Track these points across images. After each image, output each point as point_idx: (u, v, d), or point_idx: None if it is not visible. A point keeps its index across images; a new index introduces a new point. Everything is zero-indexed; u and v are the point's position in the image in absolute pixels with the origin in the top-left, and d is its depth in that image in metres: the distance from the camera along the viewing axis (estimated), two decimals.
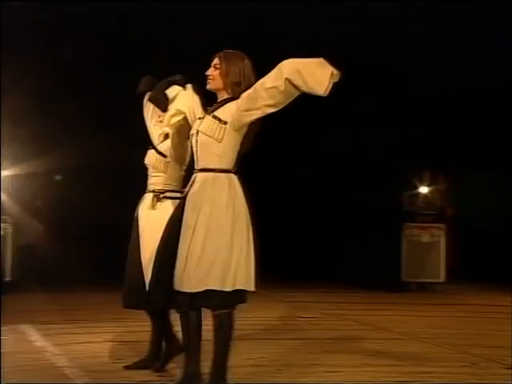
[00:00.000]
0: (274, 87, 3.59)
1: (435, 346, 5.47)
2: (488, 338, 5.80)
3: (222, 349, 3.69)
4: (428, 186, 9.65)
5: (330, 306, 7.61)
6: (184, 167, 4.51)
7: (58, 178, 9.83)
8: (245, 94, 3.71)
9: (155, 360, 4.52)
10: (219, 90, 3.82)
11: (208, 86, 3.84)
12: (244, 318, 6.41)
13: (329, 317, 6.89)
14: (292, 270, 9.92)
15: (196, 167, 3.78)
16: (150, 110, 4.64)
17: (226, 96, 3.80)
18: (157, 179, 4.56)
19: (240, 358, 4.80)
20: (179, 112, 4.07)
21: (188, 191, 3.75)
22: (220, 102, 3.82)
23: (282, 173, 10.75)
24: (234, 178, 3.73)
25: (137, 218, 4.58)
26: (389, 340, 5.67)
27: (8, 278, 8.74)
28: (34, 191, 9.54)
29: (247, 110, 3.67)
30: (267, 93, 3.61)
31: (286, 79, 3.56)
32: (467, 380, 4.37)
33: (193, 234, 3.63)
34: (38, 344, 5.43)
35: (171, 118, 4.16)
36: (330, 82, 3.50)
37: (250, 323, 6.28)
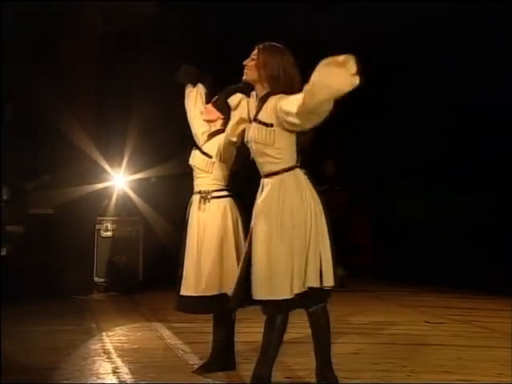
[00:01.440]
0: (309, 113, 3.46)
1: None
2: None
3: (326, 343, 3.73)
4: None
5: (458, 311, 7.41)
6: (230, 167, 4.45)
7: (152, 180, 10.10)
8: (285, 105, 3.55)
9: (222, 361, 4.53)
10: (255, 82, 3.73)
11: (244, 77, 3.76)
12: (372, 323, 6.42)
13: (455, 323, 6.72)
14: (412, 273, 9.76)
15: (261, 173, 3.73)
16: (193, 102, 4.62)
17: (263, 91, 3.70)
18: (202, 180, 4.50)
19: (366, 362, 4.78)
20: (243, 121, 3.97)
21: (258, 197, 3.71)
22: (259, 100, 3.72)
23: None
24: (300, 172, 3.67)
25: (187, 221, 4.54)
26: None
27: (140, 278, 9.06)
28: (163, 193, 9.83)
29: (289, 122, 3.58)
30: (303, 117, 3.49)
31: (319, 101, 3.41)
32: None
33: (275, 240, 3.58)
34: (170, 342, 5.60)
35: (236, 127, 4.03)
36: (352, 78, 3.34)
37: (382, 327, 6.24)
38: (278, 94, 3.65)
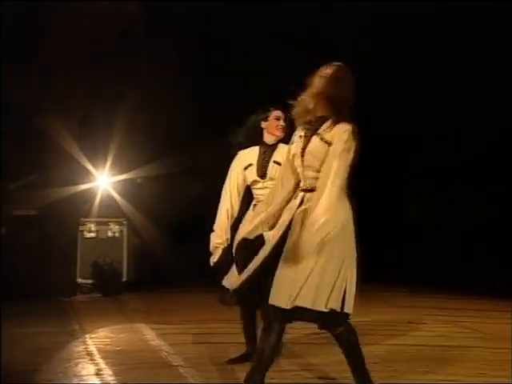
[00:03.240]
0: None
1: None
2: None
3: (358, 358, 3.72)
4: None
5: (441, 312, 7.44)
6: None
7: (139, 181, 10.08)
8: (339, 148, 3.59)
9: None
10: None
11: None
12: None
13: (439, 323, 6.74)
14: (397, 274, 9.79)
15: (302, 186, 3.69)
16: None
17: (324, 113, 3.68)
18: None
19: None
20: None
21: (297, 209, 3.64)
22: (321, 120, 3.68)
23: None
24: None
25: None
26: (506, 349, 5.47)
27: (124, 279, 9.03)
28: (150, 193, 9.81)
29: None
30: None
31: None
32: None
33: (320, 254, 3.53)
34: (154, 343, 5.58)
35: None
36: None
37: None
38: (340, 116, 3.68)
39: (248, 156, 4.69)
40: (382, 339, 5.73)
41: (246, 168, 4.66)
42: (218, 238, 4.60)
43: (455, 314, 7.32)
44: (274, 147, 4.67)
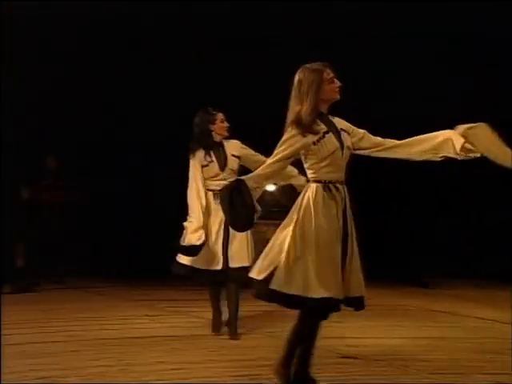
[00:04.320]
0: None
1: (278, 340, 5.60)
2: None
3: None
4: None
5: (178, 303, 7.67)
6: None
7: None
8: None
9: None
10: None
11: (338, 97, 3.93)
12: (91, 318, 6.43)
13: (174, 314, 6.96)
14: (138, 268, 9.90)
15: (340, 179, 3.91)
16: None
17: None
18: None
19: (86, 359, 4.81)
20: None
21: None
22: (327, 115, 3.93)
23: None
24: None
25: None
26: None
27: None
28: None
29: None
30: None
31: None
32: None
33: (352, 242, 3.91)
34: None
35: None
36: None
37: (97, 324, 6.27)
38: None
39: (204, 155, 5.64)
40: (115, 334, 5.81)
41: (204, 166, 5.60)
42: (199, 221, 5.50)
43: (190, 305, 7.57)
44: (222, 143, 5.68)
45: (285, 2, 9.27)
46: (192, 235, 5.51)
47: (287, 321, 6.39)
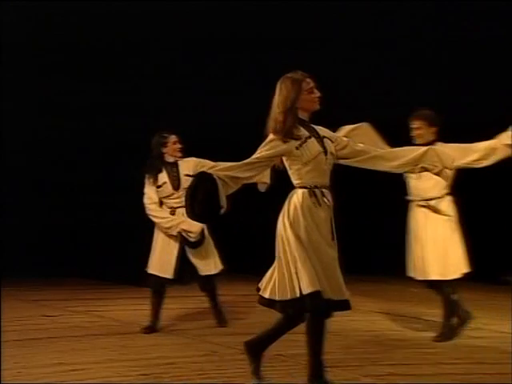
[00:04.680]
0: None
1: (179, 338, 5.65)
2: (229, 326, 6.11)
3: None
4: None
5: (77, 303, 7.53)
6: None
7: None
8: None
9: None
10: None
11: (317, 107, 4.00)
12: None
13: (75, 314, 6.82)
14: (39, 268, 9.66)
15: (326, 184, 3.97)
16: None
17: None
18: None
19: None
20: None
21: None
22: (308, 123, 4.00)
23: None
24: None
25: None
26: (135, 334, 5.75)
27: None
28: None
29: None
30: None
31: None
32: (208, 368, 4.59)
33: (335, 246, 3.95)
34: None
35: None
36: None
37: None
38: None
39: (157, 177, 5.89)
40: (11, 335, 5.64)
41: (158, 186, 5.87)
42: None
43: (92, 304, 7.45)
44: (176, 164, 5.91)
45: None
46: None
47: (189, 319, 6.44)
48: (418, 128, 5.46)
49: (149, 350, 5.12)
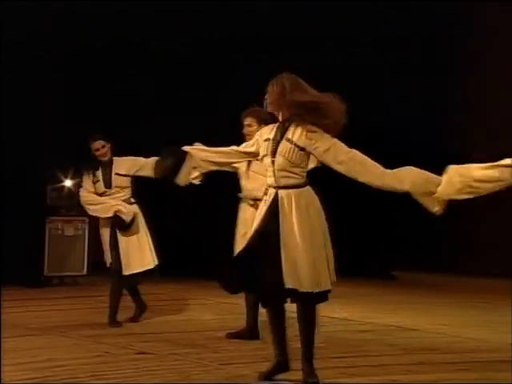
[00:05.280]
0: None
1: (69, 339, 5.56)
2: (122, 327, 6.08)
3: None
4: (72, 179, 9.68)
5: None
6: None
7: None
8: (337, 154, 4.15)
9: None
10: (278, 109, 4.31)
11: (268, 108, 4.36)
12: None
13: None
14: None
15: (273, 184, 4.21)
16: None
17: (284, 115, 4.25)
18: None
19: None
20: None
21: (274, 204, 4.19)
22: (283, 122, 4.25)
23: None
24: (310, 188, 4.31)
25: None
26: (22, 336, 5.61)
27: None
28: None
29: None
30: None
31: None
32: (101, 368, 4.55)
33: (315, 240, 4.15)
34: None
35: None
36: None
37: None
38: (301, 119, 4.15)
39: (93, 175, 6.30)
40: None
41: (94, 183, 6.26)
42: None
43: None
44: (110, 163, 6.28)
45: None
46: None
47: (81, 320, 6.33)
48: (250, 125, 5.51)
49: (39, 353, 5.01)
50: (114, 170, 6.27)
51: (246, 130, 5.54)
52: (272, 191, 4.19)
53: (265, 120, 5.42)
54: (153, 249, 6.29)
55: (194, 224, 9.47)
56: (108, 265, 6.32)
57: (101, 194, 6.29)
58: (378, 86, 9.33)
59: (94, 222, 7.55)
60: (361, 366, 4.64)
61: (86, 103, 9.12)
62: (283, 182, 4.15)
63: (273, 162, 4.15)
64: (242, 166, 5.46)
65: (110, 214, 6.16)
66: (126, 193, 6.27)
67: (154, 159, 4.88)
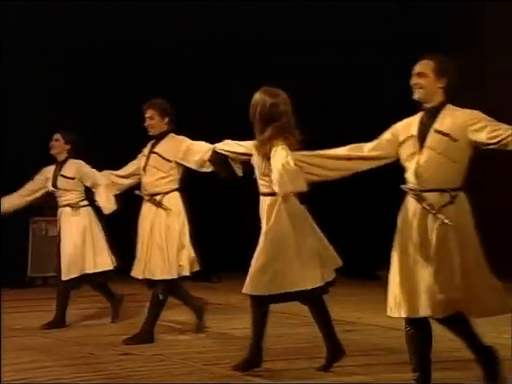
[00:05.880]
0: None
1: (53, 340, 5.53)
2: (108, 327, 6.06)
3: None
4: None
5: None
6: None
7: None
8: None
9: None
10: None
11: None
12: None
13: None
14: None
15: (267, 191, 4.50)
16: None
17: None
18: None
19: None
20: None
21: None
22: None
23: None
24: None
25: None
26: (5, 338, 5.50)
27: None
28: None
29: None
30: None
31: None
32: (85, 369, 4.53)
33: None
34: None
35: None
36: None
37: None
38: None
39: (48, 172, 6.27)
40: None
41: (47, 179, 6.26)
42: None
43: None
44: (62, 163, 6.17)
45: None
46: None
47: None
48: (151, 118, 5.48)
49: (21, 354, 4.97)
50: (63, 170, 6.14)
51: (147, 123, 5.48)
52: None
53: (166, 112, 5.43)
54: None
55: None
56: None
57: (50, 194, 6.23)
58: (378, 86, 9.34)
59: None
60: (346, 366, 4.64)
61: (86, 103, 9.08)
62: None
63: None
64: None
65: None
66: (75, 196, 6.09)
67: (108, 183, 5.65)
